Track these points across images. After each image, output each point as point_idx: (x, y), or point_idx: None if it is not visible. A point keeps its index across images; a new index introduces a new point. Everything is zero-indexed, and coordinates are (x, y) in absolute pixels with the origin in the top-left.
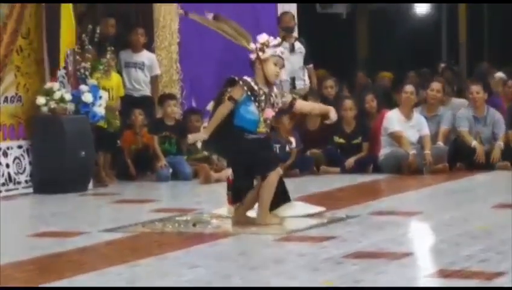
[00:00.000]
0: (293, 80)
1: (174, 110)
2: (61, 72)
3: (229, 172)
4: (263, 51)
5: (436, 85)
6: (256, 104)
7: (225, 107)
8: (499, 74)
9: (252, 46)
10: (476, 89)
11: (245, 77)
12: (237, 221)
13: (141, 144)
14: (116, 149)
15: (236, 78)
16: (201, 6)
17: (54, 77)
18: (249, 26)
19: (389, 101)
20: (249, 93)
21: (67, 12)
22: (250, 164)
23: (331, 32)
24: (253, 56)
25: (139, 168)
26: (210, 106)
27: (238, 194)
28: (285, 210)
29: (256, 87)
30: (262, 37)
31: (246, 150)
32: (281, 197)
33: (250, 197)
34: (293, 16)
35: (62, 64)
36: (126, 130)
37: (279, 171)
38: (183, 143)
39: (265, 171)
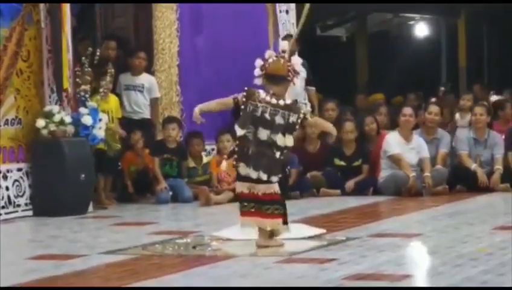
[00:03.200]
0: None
1: (175, 134)
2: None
3: (275, 187)
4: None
5: (434, 108)
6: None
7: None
8: (494, 97)
9: (288, 63)
10: (479, 111)
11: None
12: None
13: (142, 165)
14: (117, 172)
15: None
16: (202, 6)
17: (62, 101)
18: (249, 26)
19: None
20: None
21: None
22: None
23: (330, 55)
24: (289, 77)
25: (139, 190)
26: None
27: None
28: (283, 235)
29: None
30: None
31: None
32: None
33: None
34: (296, 40)
35: (66, 85)
36: (127, 151)
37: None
38: (184, 165)
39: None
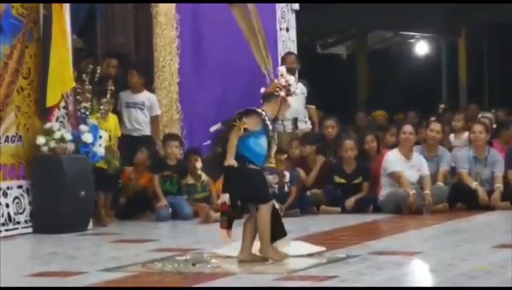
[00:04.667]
0: (295, 120)
1: (175, 151)
2: (61, 112)
3: (225, 197)
4: (288, 92)
5: (435, 126)
6: (267, 139)
7: (236, 136)
8: (488, 115)
9: (277, 81)
10: (478, 129)
11: (259, 110)
12: (242, 260)
13: (139, 187)
14: (117, 189)
15: (254, 109)
16: (202, 24)
17: (46, 116)
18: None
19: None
20: (263, 127)
21: (61, 51)
22: (245, 191)
23: (331, 73)
24: (276, 92)
25: (138, 208)
26: (214, 128)
27: (231, 221)
28: (283, 248)
29: (269, 123)
30: (286, 76)
31: (244, 178)
32: (278, 231)
33: (249, 230)
34: (297, 57)
35: (50, 102)
36: (127, 167)
37: (270, 206)
38: (183, 183)
39: (256, 201)
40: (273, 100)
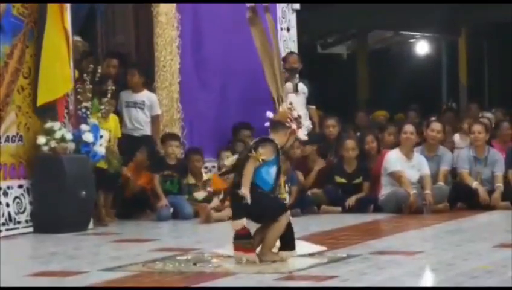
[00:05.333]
0: None
1: (176, 151)
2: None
3: (242, 222)
4: (299, 125)
5: (436, 126)
6: (277, 168)
7: (253, 166)
8: (488, 115)
9: (290, 114)
10: (478, 129)
11: (272, 139)
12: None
13: (137, 188)
14: (118, 189)
15: (269, 138)
16: (203, 24)
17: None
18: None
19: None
20: (276, 156)
21: (57, 51)
22: (260, 213)
23: (331, 73)
24: (288, 124)
25: (137, 207)
26: (229, 161)
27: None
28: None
29: (280, 152)
30: (296, 108)
31: (256, 200)
32: (287, 242)
33: (258, 239)
34: (299, 57)
35: (41, 101)
36: (127, 167)
37: (288, 216)
38: (184, 182)
39: (275, 216)
40: (282, 131)
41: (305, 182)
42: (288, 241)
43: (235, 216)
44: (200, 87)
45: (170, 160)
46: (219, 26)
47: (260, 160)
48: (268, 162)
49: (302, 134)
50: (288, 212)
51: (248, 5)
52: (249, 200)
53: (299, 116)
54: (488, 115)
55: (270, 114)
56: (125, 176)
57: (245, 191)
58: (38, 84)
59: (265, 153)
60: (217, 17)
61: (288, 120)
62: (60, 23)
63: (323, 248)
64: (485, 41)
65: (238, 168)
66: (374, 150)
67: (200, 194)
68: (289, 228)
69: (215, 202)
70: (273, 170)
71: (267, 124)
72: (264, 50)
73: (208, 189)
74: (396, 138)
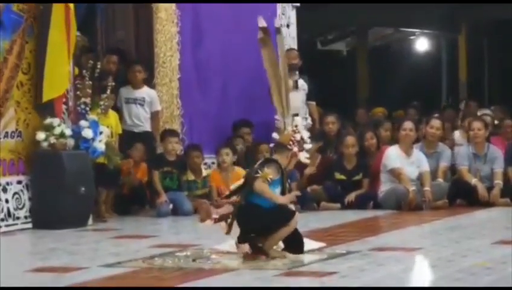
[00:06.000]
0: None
1: (176, 147)
2: (61, 108)
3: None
4: (301, 148)
5: (435, 122)
6: (282, 188)
7: (263, 184)
8: (488, 112)
9: (293, 137)
10: (477, 126)
11: (276, 159)
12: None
13: (136, 182)
14: (119, 185)
15: (273, 159)
16: (203, 20)
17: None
18: (249, 34)
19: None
20: (280, 176)
21: (59, 48)
22: (268, 229)
23: (331, 70)
24: (290, 146)
25: (135, 203)
26: (234, 185)
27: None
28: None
29: (284, 172)
30: (301, 130)
31: (263, 219)
32: (296, 245)
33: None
34: (298, 54)
35: (45, 98)
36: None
37: (296, 219)
38: (184, 179)
39: (285, 222)
40: (285, 153)
41: (302, 179)
42: (296, 245)
43: (240, 240)
44: (200, 84)
45: (170, 156)
46: (219, 22)
47: (268, 179)
48: (273, 182)
49: (303, 157)
50: (296, 217)
51: (260, 25)
52: (290, 197)
53: (303, 139)
54: (488, 112)
55: (275, 135)
56: (125, 170)
57: (283, 199)
58: (44, 81)
59: (271, 172)
60: (217, 14)
61: (291, 142)
62: (63, 22)
63: (322, 245)
64: (485, 39)
65: (244, 189)
66: (374, 147)
67: (207, 223)
68: (296, 232)
69: (223, 226)
70: (278, 191)
71: (271, 145)
72: (272, 71)
73: (214, 217)
74: (392, 134)
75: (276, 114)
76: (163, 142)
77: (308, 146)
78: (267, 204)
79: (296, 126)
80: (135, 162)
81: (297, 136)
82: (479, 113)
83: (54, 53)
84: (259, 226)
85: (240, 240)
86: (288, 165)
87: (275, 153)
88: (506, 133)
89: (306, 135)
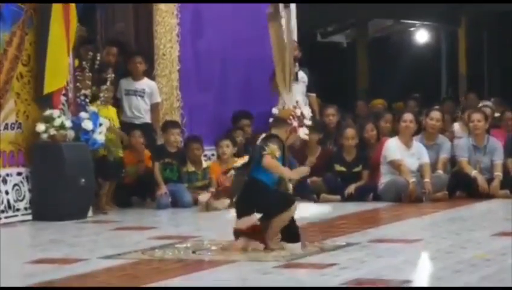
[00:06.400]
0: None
1: (177, 139)
2: (61, 99)
3: (254, 219)
4: (301, 124)
5: (435, 114)
6: (282, 163)
7: (273, 160)
8: (488, 104)
9: (294, 112)
10: (477, 117)
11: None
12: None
13: (143, 167)
14: (120, 177)
15: (274, 134)
16: (202, 12)
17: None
18: (249, 26)
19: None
20: (281, 152)
21: (60, 42)
22: (267, 208)
23: (331, 62)
24: (289, 120)
25: (140, 195)
26: (240, 163)
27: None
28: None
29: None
30: (303, 107)
31: (265, 196)
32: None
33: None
34: (298, 46)
35: (46, 90)
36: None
37: (295, 208)
38: (184, 170)
39: (283, 208)
40: (283, 127)
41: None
42: (292, 234)
43: (244, 213)
44: (199, 76)
45: (171, 148)
46: (219, 14)
47: (276, 154)
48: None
49: (303, 133)
50: (296, 204)
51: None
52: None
53: (303, 115)
54: (488, 103)
55: (275, 110)
56: (131, 160)
57: (294, 173)
58: (46, 73)
59: (276, 148)
60: (217, 5)
61: (291, 117)
62: (63, 14)
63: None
64: (484, 31)
65: (249, 166)
66: (374, 139)
67: (203, 197)
68: (293, 220)
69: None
70: None
71: (271, 120)
72: (277, 45)
73: (211, 189)
74: (393, 125)
75: (275, 106)
76: (165, 133)
77: (308, 122)
78: (272, 182)
79: (297, 102)
80: (136, 149)
81: (298, 112)
82: (480, 105)
83: (55, 46)
84: (263, 203)
85: (236, 234)
86: (287, 140)
87: (273, 127)
88: (507, 125)
89: (307, 111)
